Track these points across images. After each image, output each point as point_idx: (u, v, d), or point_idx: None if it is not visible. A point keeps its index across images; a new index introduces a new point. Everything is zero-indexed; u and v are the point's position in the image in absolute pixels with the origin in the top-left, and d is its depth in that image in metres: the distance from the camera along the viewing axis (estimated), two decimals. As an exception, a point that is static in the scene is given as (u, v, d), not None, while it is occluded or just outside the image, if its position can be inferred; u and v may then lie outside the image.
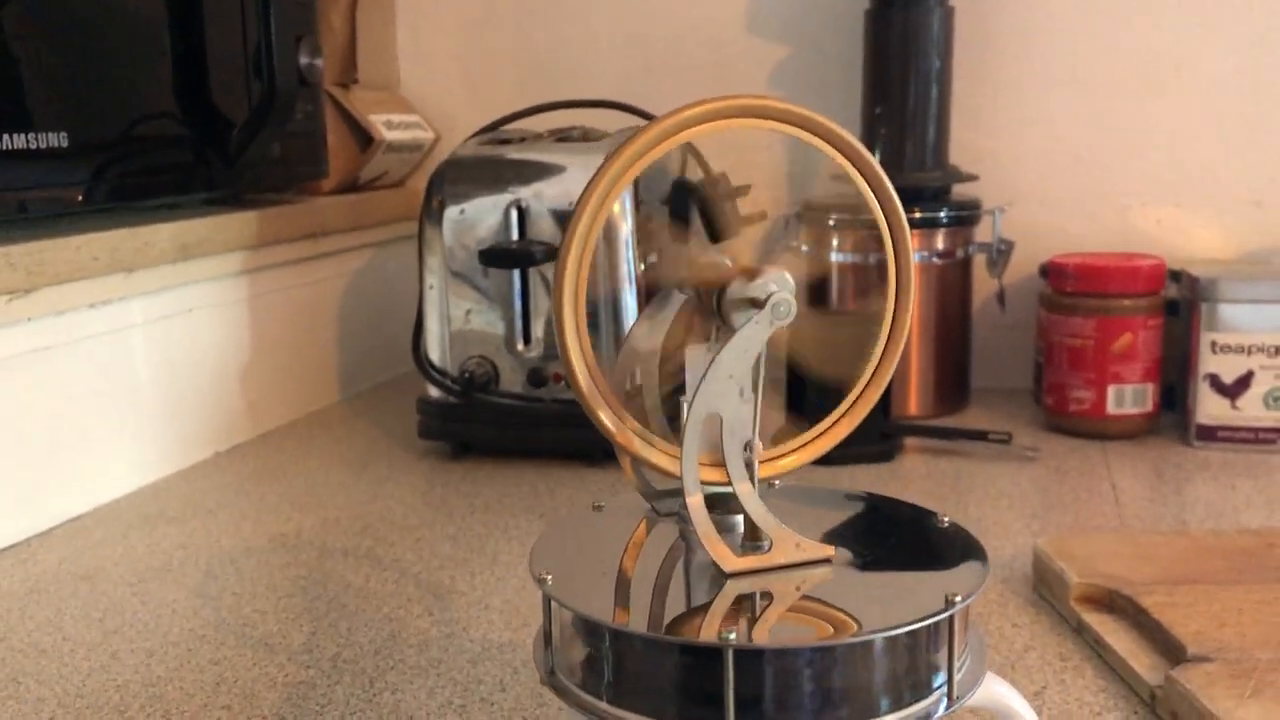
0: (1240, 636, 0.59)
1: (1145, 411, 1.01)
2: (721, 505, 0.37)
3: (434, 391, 1.01)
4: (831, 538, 0.37)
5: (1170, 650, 0.59)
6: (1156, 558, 0.69)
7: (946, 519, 0.39)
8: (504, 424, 0.99)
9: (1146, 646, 0.61)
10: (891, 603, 0.34)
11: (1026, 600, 0.70)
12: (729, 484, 0.36)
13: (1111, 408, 1.00)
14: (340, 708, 0.60)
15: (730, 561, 0.34)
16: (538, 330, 0.98)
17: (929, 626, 0.32)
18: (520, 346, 0.98)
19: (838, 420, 0.40)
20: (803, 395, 0.99)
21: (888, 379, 0.40)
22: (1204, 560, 0.69)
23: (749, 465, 0.35)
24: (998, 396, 1.17)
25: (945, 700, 0.33)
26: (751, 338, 0.35)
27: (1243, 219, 1.14)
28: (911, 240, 1.10)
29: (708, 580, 0.35)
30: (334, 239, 1.21)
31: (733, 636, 0.30)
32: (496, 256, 0.95)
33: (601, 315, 0.96)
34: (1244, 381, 0.96)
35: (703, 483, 0.36)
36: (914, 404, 1.09)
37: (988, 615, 0.68)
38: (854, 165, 0.38)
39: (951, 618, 0.32)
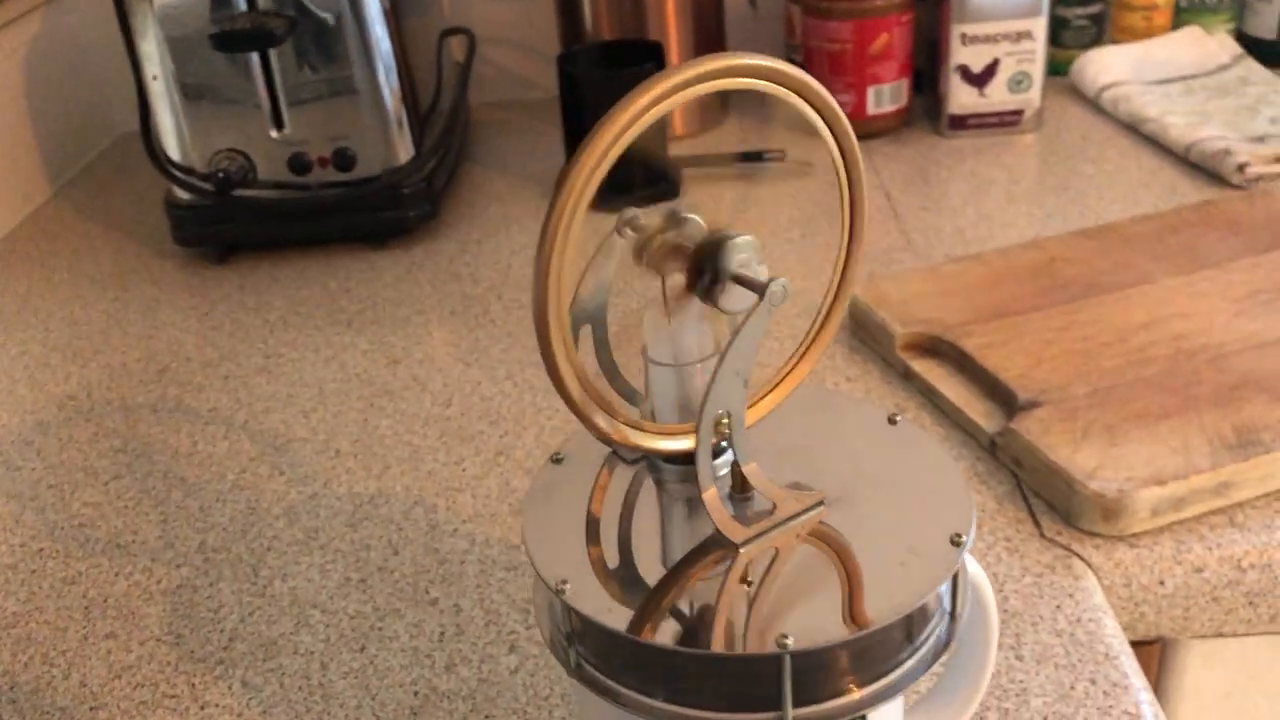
0: (1056, 373, 0.66)
1: (901, 106, 1.04)
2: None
3: (183, 193, 0.91)
4: (807, 465, 0.38)
5: (1000, 396, 0.66)
6: (961, 291, 0.75)
7: (899, 417, 0.40)
8: (272, 219, 0.92)
9: (977, 392, 0.67)
10: (897, 542, 0.35)
11: (850, 348, 0.75)
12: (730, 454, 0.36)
13: (871, 108, 1.03)
14: (234, 610, 0.58)
15: (739, 533, 0.35)
16: (290, 112, 0.89)
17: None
18: (274, 133, 0.89)
19: (798, 361, 0.40)
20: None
21: (837, 322, 0.40)
22: (1002, 287, 0.75)
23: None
24: (754, 99, 1.17)
25: (949, 620, 0.36)
26: (754, 332, 0.34)
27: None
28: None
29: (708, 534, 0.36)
30: (4, 9, 1.03)
31: (790, 641, 0.32)
32: (230, 40, 0.84)
33: (353, 60, 0.88)
34: (990, 70, 1.00)
35: (680, 453, 0.36)
36: (678, 125, 1.09)
37: (821, 374, 0.72)
38: (822, 117, 0.36)
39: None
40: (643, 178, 0.97)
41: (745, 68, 0.33)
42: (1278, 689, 0.63)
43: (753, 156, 1.00)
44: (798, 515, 0.36)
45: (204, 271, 0.93)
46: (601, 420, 0.34)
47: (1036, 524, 0.59)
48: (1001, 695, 0.50)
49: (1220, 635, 0.59)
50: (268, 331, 0.83)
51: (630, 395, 0.40)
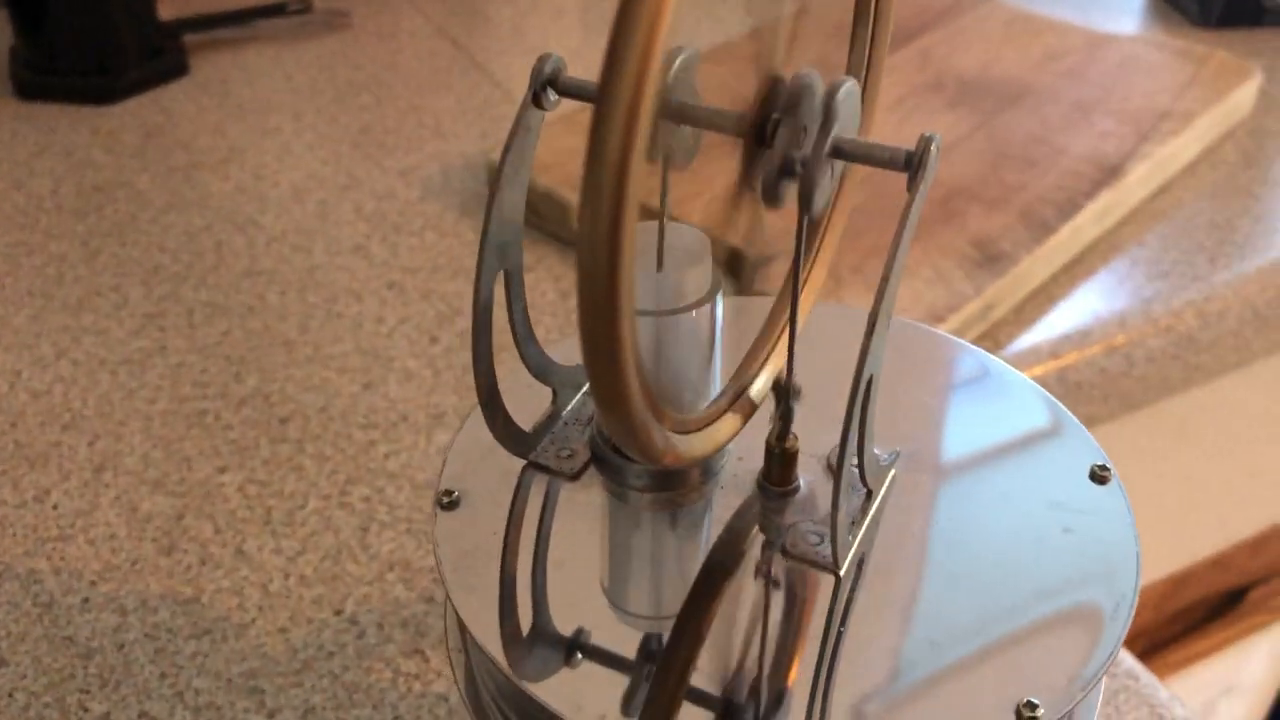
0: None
1: (426, -64, 0.88)
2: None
3: None
4: (817, 408, 0.26)
5: (717, 253, 0.56)
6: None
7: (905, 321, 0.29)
8: None
9: (687, 256, 0.57)
10: (1025, 499, 0.24)
11: (504, 229, 0.61)
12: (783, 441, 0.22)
13: (396, -60, 0.86)
14: None
15: (843, 554, 0.22)
16: None
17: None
18: None
19: (810, 270, 0.26)
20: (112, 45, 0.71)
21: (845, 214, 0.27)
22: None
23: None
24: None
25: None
26: (909, 237, 0.20)
27: None
28: None
29: (760, 590, 0.23)
30: None
31: (1041, 711, 0.20)
32: None
33: None
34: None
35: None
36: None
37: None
38: None
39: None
40: (133, 52, 0.73)
41: None
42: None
43: (273, 10, 0.79)
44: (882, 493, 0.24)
45: None
46: (659, 438, 0.19)
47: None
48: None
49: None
50: None
51: (544, 370, 0.25)
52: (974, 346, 0.28)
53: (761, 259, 0.53)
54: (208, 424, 0.49)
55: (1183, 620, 0.79)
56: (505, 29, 0.81)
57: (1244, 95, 0.67)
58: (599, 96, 0.16)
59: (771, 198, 0.21)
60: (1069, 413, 0.26)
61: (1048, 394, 0.26)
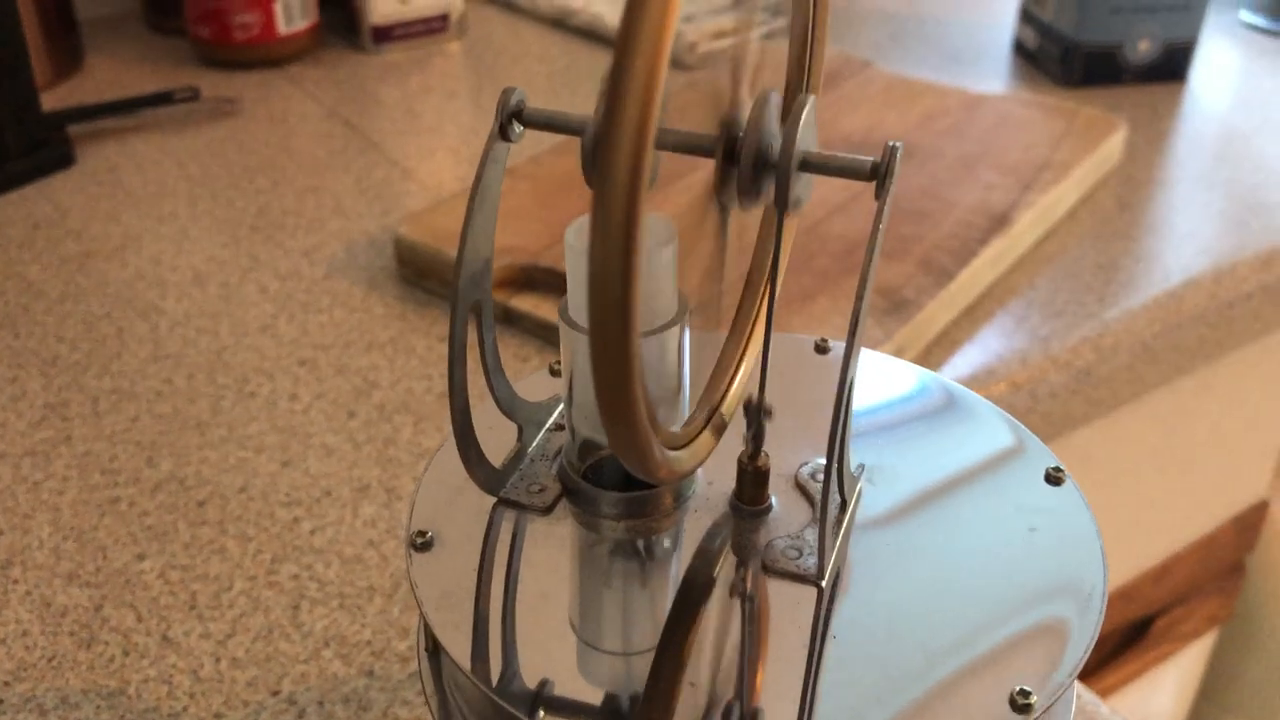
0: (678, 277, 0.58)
1: (312, 23, 0.89)
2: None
3: None
4: (776, 432, 0.26)
5: (638, 316, 0.56)
6: (520, 211, 0.64)
7: (828, 342, 0.29)
8: None
9: (602, 318, 0.58)
10: (989, 505, 0.25)
11: (414, 304, 0.61)
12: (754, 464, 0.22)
13: (283, 28, 0.86)
14: None
15: (824, 569, 0.22)
16: None
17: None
18: None
19: (763, 296, 0.27)
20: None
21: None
22: (560, 197, 0.65)
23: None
24: (104, 31, 0.93)
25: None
26: (881, 239, 0.20)
27: None
28: None
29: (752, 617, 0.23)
30: None
31: (1035, 697, 0.20)
32: None
33: None
34: (408, -30, 0.88)
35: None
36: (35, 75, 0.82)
37: (388, 344, 0.58)
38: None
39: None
40: (16, 144, 0.72)
41: None
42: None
43: (159, 99, 0.78)
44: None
45: None
46: (658, 452, 0.19)
47: (746, 446, 0.51)
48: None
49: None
50: None
51: (511, 406, 0.25)
52: (917, 366, 0.29)
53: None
54: (121, 511, 0.48)
55: (1094, 653, 0.81)
56: (398, 111, 0.81)
57: (1113, 146, 0.71)
58: (605, 125, 0.17)
59: (747, 206, 0.21)
60: (1017, 421, 0.27)
61: (994, 405, 0.27)
